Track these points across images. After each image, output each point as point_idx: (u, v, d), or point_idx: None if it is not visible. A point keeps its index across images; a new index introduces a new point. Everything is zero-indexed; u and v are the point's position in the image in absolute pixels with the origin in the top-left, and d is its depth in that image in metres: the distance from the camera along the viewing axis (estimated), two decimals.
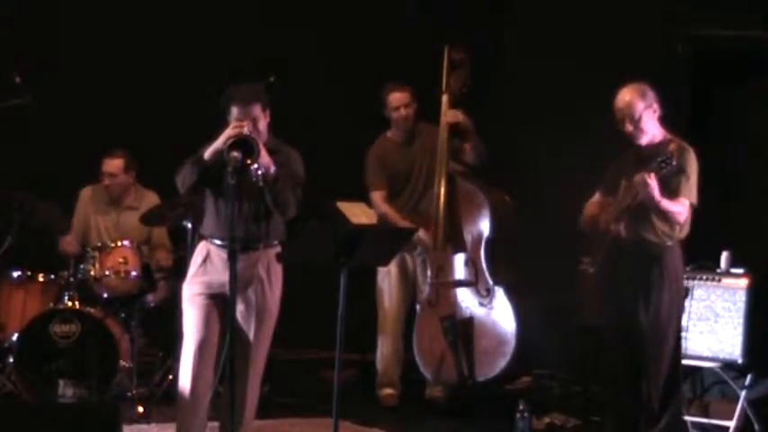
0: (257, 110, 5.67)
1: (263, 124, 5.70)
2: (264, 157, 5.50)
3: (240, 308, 5.67)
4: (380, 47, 9.02)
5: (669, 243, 6.08)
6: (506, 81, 8.75)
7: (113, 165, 7.52)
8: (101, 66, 8.58)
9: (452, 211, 7.37)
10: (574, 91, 8.33)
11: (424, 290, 7.48)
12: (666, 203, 5.97)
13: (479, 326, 7.29)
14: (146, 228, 7.42)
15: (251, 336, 5.71)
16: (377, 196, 7.52)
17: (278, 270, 5.77)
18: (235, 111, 5.65)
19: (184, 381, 5.74)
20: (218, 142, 5.53)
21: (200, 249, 5.83)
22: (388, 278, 7.53)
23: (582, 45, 8.40)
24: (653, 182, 5.86)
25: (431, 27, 8.91)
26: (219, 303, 5.72)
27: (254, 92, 5.75)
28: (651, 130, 6.08)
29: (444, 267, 7.42)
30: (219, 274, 5.66)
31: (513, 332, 7.20)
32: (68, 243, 7.40)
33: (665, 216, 6.02)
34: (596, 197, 6.33)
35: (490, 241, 7.34)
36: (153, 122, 8.48)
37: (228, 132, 5.53)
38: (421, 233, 7.26)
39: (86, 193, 7.67)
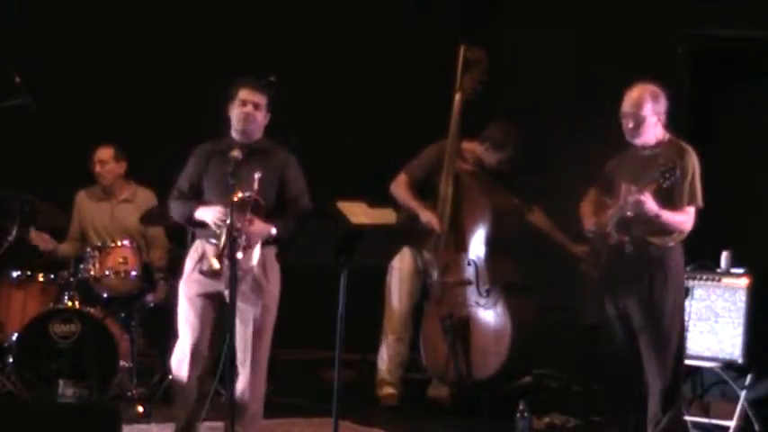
0: (263, 99, 5.84)
1: (261, 116, 5.83)
2: (260, 230, 5.62)
3: (239, 305, 5.69)
4: (380, 47, 9.02)
5: (671, 244, 6.06)
6: (506, 81, 8.75)
7: (104, 152, 7.56)
8: (102, 66, 8.58)
9: (456, 210, 7.39)
10: (574, 91, 8.34)
11: (433, 288, 7.49)
12: (668, 215, 5.94)
13: (477, 325, 7.30)
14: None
15: (249, 332, 5.72)
16: (402, 178, 7.50)
17: (275, 267, 5.82)
18: (243, 92, 5.82)
19: (179, 379, 5.83)
20: (207, 218, 5.69)
21: (195, 248, 5.89)
22: (398, 275, 7.55)
23: (582, 45, 8.41)
24: (648, 199, 5.83)
25: (431, 27, 8.92)
26: (215, 302, 5.78)
27: (265, 86, 5.94)
28: (650, 133, 6.04)
29: (449, 266, 7.43)
30: (215, 275, 5.68)
31: (508, 333, 7.20)
32: (39, 237, 7.40)
33: (666, 227, 5.98)
34: (591, 195, 6.31)
35: (491, 241, 7.34)
36: (154, 123, 8.49)
37: (215, 218, 5.65)
38: (432, 219, 7.29)
39: (81, 196, 7.68)
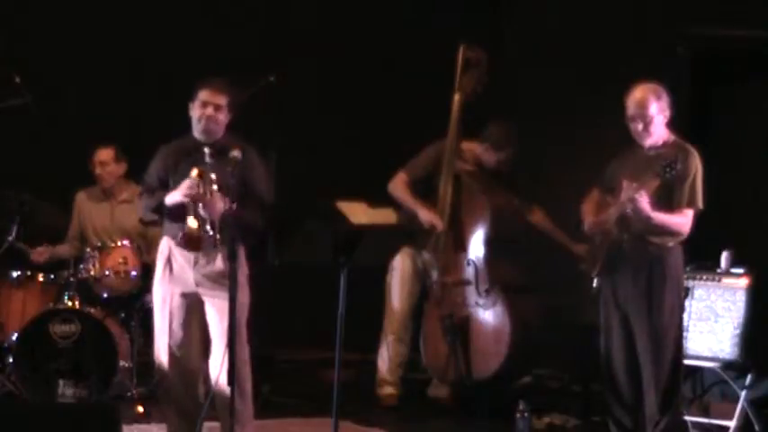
0: (224, 100, 5.74)
1: (223, 116, 5.75)
2: (216, 204, 5.56)
3: (216, 302, 5.70)
4: (380, 47, 9.02)
5: (670, 244, 6.06)
6: (506, 81, 8.75)
7: (105, 153, 7.57)
8: (102, 66, 8.58)
9: (456, 210, 7.39)
10: (574, 91, 8.34)
11: (432, 288, 7.50)
12: (663, 217, 5.92)
13: (476, 325, 7.30)
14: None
15: (225, 327, 5.63)
16: (401, 177, 7.50)
17: (243, 263, 5.76)
18: (203, 93, 5.74)
19: (163, 380, 5.88)
20: (177, 196, 5.63)
21: (162, 248, 5.87)
22: (398, 275, 7.55)
23: (582, 45, 8.42)
24: (642, 198, 5.82)
25: (431, 27, 8.92)
26: (192, 301, 5.78)
27: (227, 86, 5.82)
28: (658, 132, 6.04)
29: (448, 266, 7.43)
30: (184, 272, 5.72)
31: (508, 333, 7.20)
32: (39, 254, 7.43)
33: (660, 229, 5.97)
34: (594, 194, 6.31)
35: (490, 241, 7.35)
36: (154, 123, 8.47)
37: (185, 192, 5.60)
38: (433, 218, 7.29)
39: (80, 196, 7.68)
